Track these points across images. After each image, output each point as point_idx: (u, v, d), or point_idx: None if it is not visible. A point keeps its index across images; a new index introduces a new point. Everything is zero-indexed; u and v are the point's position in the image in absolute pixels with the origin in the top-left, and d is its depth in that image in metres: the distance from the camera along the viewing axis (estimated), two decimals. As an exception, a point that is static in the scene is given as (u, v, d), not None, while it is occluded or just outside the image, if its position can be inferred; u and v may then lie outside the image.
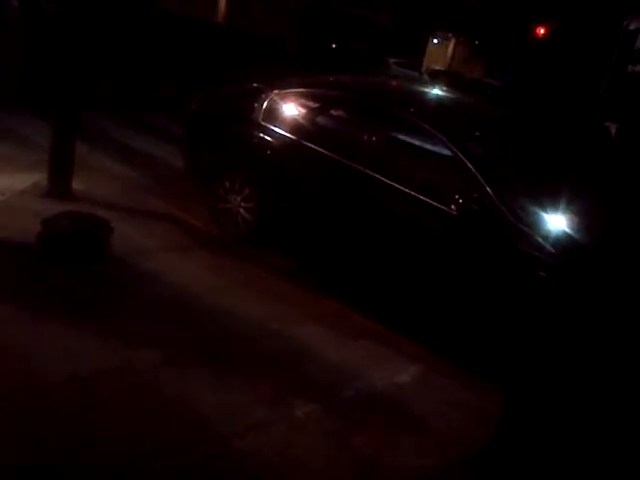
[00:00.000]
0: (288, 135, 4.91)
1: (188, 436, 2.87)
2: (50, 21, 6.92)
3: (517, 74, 29.53)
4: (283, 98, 5.07)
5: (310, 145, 4.75)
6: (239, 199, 5.12)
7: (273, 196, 4.98)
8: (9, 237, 4.29)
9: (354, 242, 4.56)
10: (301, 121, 4.93)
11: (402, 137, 4.59)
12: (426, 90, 5.80)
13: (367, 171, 4.38)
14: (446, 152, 4.13)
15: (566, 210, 3.88)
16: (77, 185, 5.32)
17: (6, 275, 3.91)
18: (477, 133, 4.48)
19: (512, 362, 3.62)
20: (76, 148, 5.27)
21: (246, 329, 3.87)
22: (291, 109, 5.01)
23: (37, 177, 5.33)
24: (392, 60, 29.77)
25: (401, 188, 4.20)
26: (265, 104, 5.10)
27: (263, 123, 5.06)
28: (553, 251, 3.63)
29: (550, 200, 3.92)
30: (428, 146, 4.35)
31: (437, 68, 32.97)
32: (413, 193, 4.13)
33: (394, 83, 7.30)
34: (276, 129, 4.98)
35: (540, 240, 3.67)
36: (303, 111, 4.98)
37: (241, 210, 5.12)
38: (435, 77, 29.78)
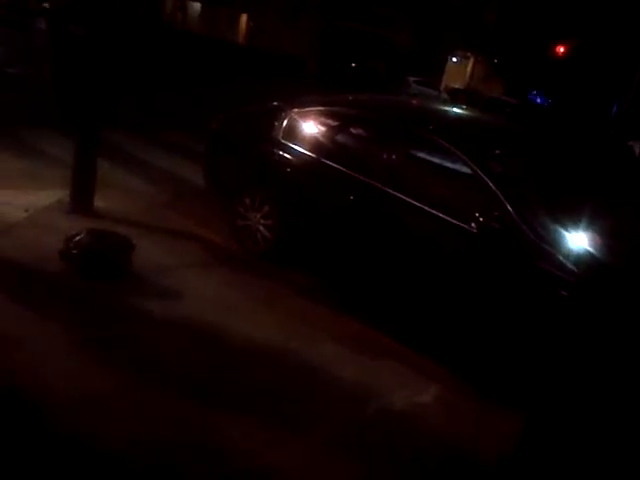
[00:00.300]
0: (308, 153, 4.94)
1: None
2: (76, 43, 7.16)
3: (547, 93, 29.45)
4: (303, 116, 5.10)
5: (330, 163, 4.76)
6: (259, 216, 5.14)
7: (292, 213, 5.00)
8: (32, 253, 4.35)
9: (373, 260, 4.55)
10: (321, 139, 4.95)
11: (422, 155, 4.58)
12: (445, 108, 5.80)
13: (386, 189, 4.38)
14: (466, 170, 4.12)
15: (588, 228, 3.83)
16: (99, 202, 5.40)
17: (28, 290, 3.95)
18: (497, 151, 4.46)
19: (534, 381, 3.57)
20: (97, 165, 5.35)
21: (265, 348, 3.86)
22: (311, 127, 5.04)
23: (61, 194, 5.42)
24: (411, 79, 29.97)
25: (421, 206, 4.19)
26: (285, 122, 5.14)
27: (283, 141, 5.10)
28: (575, 270, 3.58)
29: (572, 218, 3.87)
30: (448, 164, 4.33)
31: (456, 87, 33.09)
32: (433, 211, 4.12)
33: (413, 101, 7.32)
34: (296, 147, 5.01)
35: (562, 259, 3.62)
36: (323, 129, 5.01)
37: (260, 227, 5.14)
38: (454, 95, 29.91)
